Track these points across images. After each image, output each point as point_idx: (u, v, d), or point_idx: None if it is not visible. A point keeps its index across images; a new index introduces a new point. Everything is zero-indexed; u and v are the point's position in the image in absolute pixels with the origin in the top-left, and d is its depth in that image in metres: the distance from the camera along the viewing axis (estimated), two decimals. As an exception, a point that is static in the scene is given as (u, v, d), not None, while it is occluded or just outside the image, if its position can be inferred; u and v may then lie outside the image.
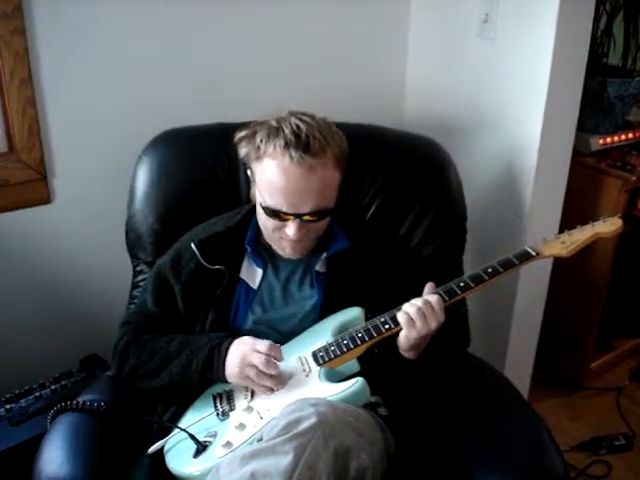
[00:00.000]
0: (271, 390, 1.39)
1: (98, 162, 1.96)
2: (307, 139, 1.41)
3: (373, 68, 2.39)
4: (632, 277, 2.81)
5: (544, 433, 1.42)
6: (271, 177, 1.43)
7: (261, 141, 1.44)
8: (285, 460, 1.12)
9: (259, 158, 1.46)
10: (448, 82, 2.32)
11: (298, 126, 1.42)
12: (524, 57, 2.02)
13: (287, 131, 1.42)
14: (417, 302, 1.39)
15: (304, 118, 1.46)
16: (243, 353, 1.39)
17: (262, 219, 1.51)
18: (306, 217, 1.44)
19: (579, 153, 2.38)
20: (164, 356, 1.47)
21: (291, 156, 1.39)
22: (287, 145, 1.40)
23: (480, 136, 2.23)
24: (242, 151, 1.50)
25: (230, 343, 1.43)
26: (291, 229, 1.45)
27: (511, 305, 2.29)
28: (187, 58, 2.02)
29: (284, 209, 1.43)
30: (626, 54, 2.45)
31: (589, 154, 2.43)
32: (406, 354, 1.45)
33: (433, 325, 1.37)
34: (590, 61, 2.12)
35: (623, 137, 2.49)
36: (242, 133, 1.51)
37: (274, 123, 1.45)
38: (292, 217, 1.44)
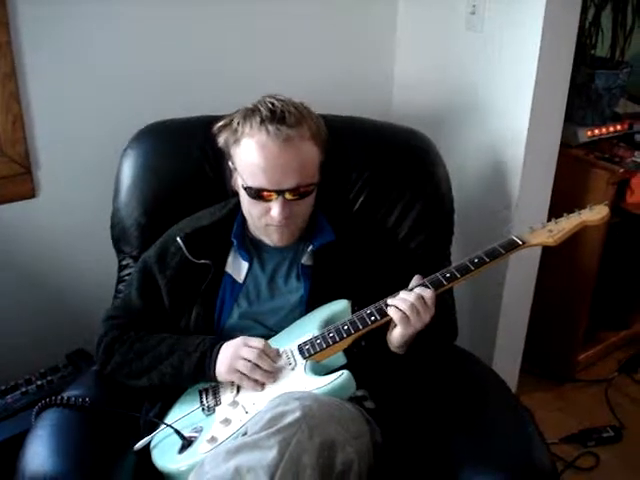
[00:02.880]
0: (261, 385, 1.38)
1: (83, 156, 1.95)
2: (282, 113, 1.43)
3: (361, 61, 2.39)
4: (620, 270, 2.81)
5: (530, 426, 1.41)
6: (250, 156, 1.43)
7: (238, 123, 1.46)
8: (269, 454, 1.12)
9: (237, 141, 1.47)
10: (436, 74, 2.31)
11: (273, 103, 1.45)
12: (512, 49, 2.02)
13: (262, 108, 1.44)
14: (409, 297, 1.37)
15: (279, 97, 1.48)
16: (234, 347, 1.40)
17: (247, 207, 1.51)
18: (289, 195, 1.44)
19: (567, 145, 2.38)
20: (154, 357, 1.46)
21: (268, 130, 1.41)
22: (263, 121, 1.42)
23: (468, 128, 2.22)
24: (221, 139, 1.51)
25: (221, 345, 1.43)
26: (275, 209, 1.44)
27: (499, 298, 2.29)
28: (173, 52, 2.01)
29: (266, 186, 1.43)
30: (614, 46, 2.45)
31: (577, 146, 2.43)
32: (397, 350, 1.45)
33: (426, 319, 1.37)
34: (578, 53, 2.13)
35: (611, 129, 2.49)
36: (220, 122, 1.52)
37: (250, 106, 1.48)
38: (275, 195, 1.43)
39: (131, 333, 1.52)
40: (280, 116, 1.42)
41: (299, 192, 1.45)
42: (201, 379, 1.44)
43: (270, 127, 1.41)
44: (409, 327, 1.37)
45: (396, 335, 1.40)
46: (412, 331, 1.38)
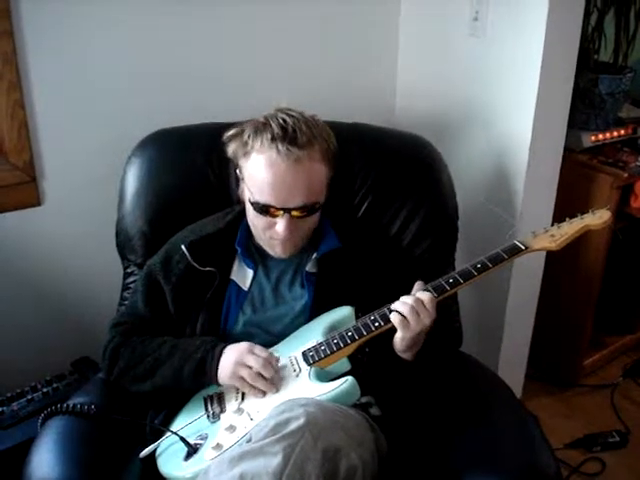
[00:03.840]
0: (263, 393, 1.38)
1: (88, 164, 1.95)
2: (294, 132, 1.41)
3: (364, 68, 2.39)
4: (624, 274, 2.81)
5: (536, 432, 1.41)
6: (259, 172, 1.43)
7: (248, 137, 1.45)
8: (274, 461, 1.12)
9: (247, 154, 1.46)
10: (438, 80, 2.31)
11: (285, 120, 1.43)
12: (515, 54, 2.02)
13: (274, 125, 1.42)
14: (408, 300, 1.37)
15: (291, 113, 1.46)
16: (239, 353, 1.40)
17: (251, 218, 1.51)
18: (295, 212, 1.44)
19: (571, 150, 2.38)
20: (156, 359, 1.46)
21: (278, 149, 1.40)
22: (274, 138, 1.41)
23: (471, 134, 2.23)
24: (230, 149, 1.51)
25: (223, 347, 1.43)
26: (280, 225, 1.44)
27: (504, 304, 2.29)
28: (177, 59, 2.01)
29: (273, 204, 1.43)
30: (617, 51, 2.45)
31: (581, 151, 2.43)
32: (403, 355, 1.45)
33: (427, 322, 1.36)
34: (581, 58, 2.13)
35: (615, 134, 2.49)
36: (230, 132, 1.51)
37: (262, 119, 1.46)
38: (281, 212, 1.43)
39: (134, 338, 1.52)
40: (292, 135, 1.40)
41: (306, 210, 1.45)
42: (202, 380, 1.43)
43: (280, 147, 1.39)
44: (408, 330, 1.37)
45: (397, 339, 1.40)
46: (411, 334, 1.37)
